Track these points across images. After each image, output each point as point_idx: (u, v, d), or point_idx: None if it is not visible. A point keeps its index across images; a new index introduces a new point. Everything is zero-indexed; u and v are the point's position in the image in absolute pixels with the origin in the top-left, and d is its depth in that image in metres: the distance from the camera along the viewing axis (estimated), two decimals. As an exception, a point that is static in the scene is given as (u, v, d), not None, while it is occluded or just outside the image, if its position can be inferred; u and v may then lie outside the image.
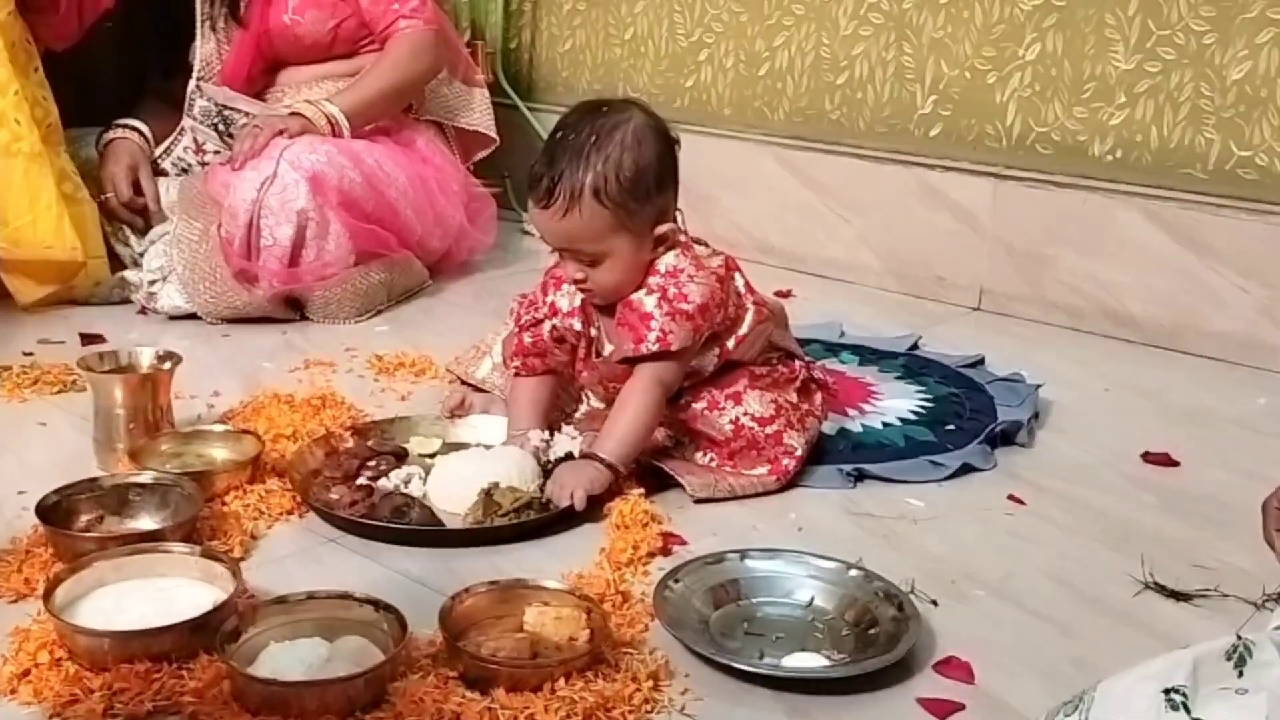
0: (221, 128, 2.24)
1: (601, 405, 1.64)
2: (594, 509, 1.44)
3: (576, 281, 1.51)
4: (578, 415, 1.66)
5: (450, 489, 1.45)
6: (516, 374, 1.61)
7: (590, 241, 1.46)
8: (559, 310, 1.57)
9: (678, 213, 1.53)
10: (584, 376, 1.61)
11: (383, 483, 1.47)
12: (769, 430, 1.54)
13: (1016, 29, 2.27)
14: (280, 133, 2.12)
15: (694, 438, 1.56)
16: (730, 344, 1.55)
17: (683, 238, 1.54)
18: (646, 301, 1.49)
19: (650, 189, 1.47)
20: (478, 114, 2.55)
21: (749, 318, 1.57)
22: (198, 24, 2.26)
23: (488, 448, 1.55)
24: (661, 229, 1.50)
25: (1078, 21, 2.19)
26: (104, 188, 2.19)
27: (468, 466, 1.48)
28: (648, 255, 1.50)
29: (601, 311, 1.55)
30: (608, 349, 1.56)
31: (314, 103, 2.20)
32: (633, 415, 1.49)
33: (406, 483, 1.48)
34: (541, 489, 1.45)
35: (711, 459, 1.54)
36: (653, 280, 1.50)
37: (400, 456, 1.54)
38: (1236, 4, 2.03)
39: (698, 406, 1.54)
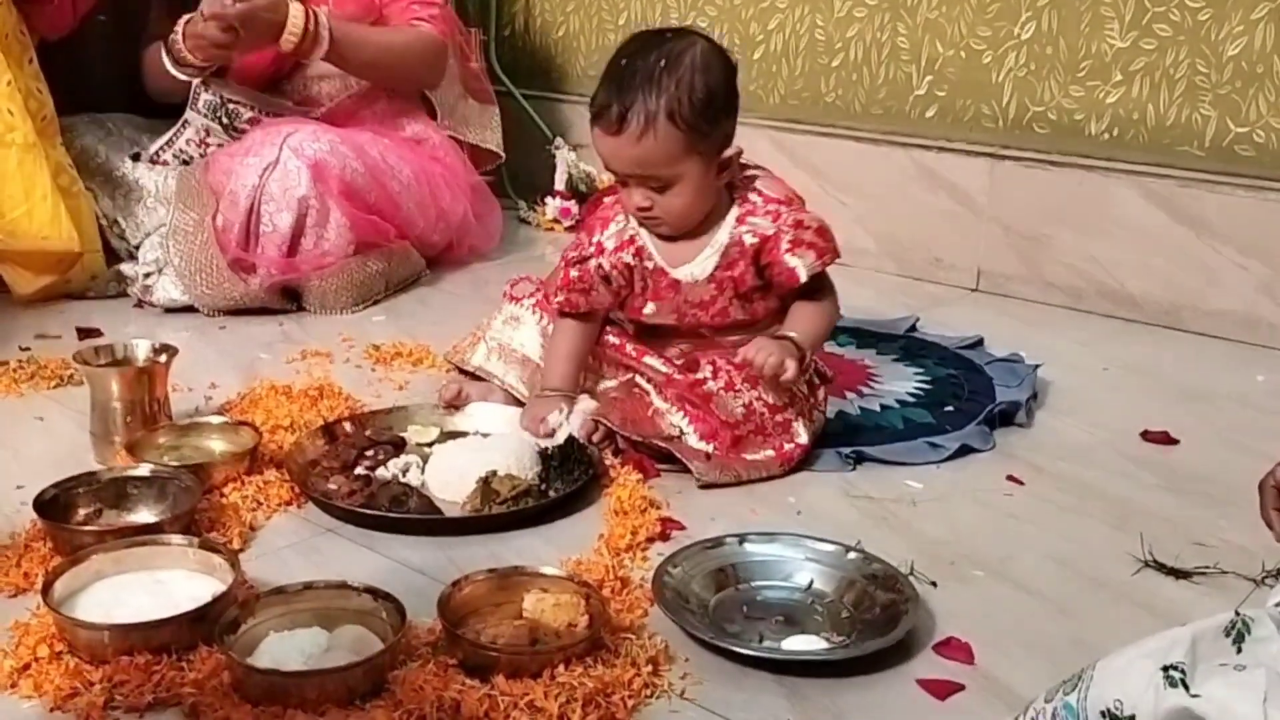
0: (225, 120, 2.24)
1: (613, 384, 1.64)
2: (592, 493, 1.45)
3: (642, 210, 1.52)
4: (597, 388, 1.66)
5: (448, 477, 1.45)
6: (560, 311, 1.62)
7: (663, 165, 1.48)
8: (605, 249, 1.59)
9: None
10: (649, 311, 1.61)
11: (381, 472, 1.47)
12: (779, 418, 1.54)
13: (1011, 8, 2.26)
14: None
15: (703, 419, 1.53)
16: None
17: (754, 166, 1.57)
18: (787, 233, 1.52)
19: (719, 112, 1.49)
20: (489, 131, 2.54)
21: None
22: None
23: (485, 436, 1.55)
24: (727, 153, 1.52)
25: (1073, -1, 2.19)
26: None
27: (465, 455, 1.48)
28: (714, 180, 1.52)
29: (662, 240, 1.57)
30: (683, 274, 1.56)
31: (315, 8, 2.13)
32: (817, 316, 1.56)
33: (404, 472, 1.48)
34: (540, 476, 1.45)
35: (714, 446, 1.52)
36: (773, 207, 1.54)
37: (398, 446, 1.55)
38: (1232, -20, 2.03)
39: (713, 385, 1.54)
